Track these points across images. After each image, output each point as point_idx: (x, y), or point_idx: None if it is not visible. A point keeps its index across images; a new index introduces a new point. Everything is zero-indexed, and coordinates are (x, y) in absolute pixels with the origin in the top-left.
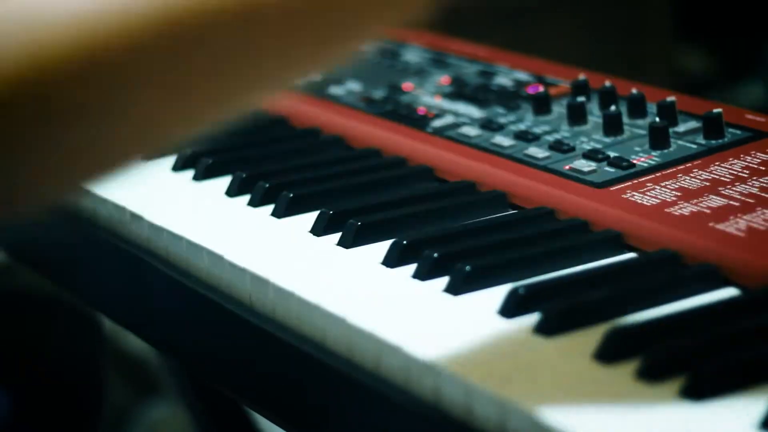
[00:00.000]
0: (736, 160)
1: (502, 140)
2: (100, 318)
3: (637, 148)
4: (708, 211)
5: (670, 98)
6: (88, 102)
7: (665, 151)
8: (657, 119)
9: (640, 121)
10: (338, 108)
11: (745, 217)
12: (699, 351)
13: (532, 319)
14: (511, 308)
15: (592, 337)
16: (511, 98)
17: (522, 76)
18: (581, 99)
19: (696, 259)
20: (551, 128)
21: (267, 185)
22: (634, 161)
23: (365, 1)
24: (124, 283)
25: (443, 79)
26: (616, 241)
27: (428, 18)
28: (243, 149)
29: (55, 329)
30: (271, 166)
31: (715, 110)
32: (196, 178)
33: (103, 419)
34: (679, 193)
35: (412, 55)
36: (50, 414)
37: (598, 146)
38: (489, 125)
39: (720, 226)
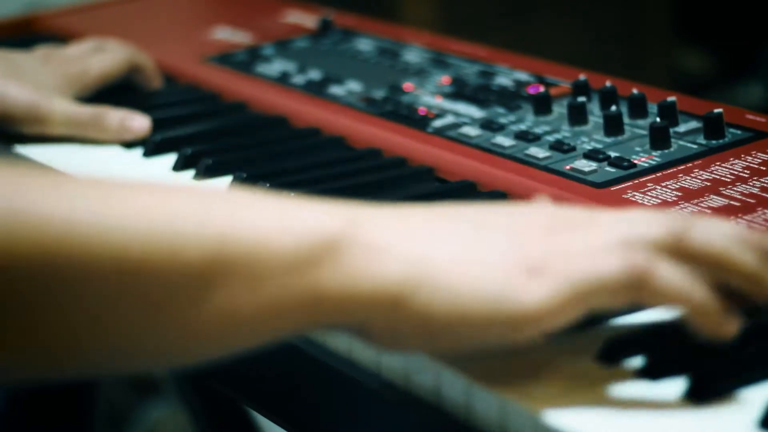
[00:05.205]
0: (736, 161)
1: (503, 140)
2: None
3: (638, 148)
4: (709, 211)
5: (671, 98)
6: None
7: (666, 151)
8: (658, 119)
9: (640, 122)
10: (338, 108)
11: (745, 217)
12: (700, 351)
13: None
14: None
15: (592, 337)
16: (511, 98)
17: (522, 76)
18: (582, 99)
19: None
20: (552, 128)
21: (267, 185)
22: (635, 161)
23: None
24: None
25: (443, 79)
26: None
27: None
28: (243, 149)
29: None
30: (272, 166)
31: (716, 110)
32: (197, 177)
33: (98, 414)
34: (679, 194)
35: (413, 55)
36: (44, 410)
37: (599, 146)
38: (489, 125)
39: None
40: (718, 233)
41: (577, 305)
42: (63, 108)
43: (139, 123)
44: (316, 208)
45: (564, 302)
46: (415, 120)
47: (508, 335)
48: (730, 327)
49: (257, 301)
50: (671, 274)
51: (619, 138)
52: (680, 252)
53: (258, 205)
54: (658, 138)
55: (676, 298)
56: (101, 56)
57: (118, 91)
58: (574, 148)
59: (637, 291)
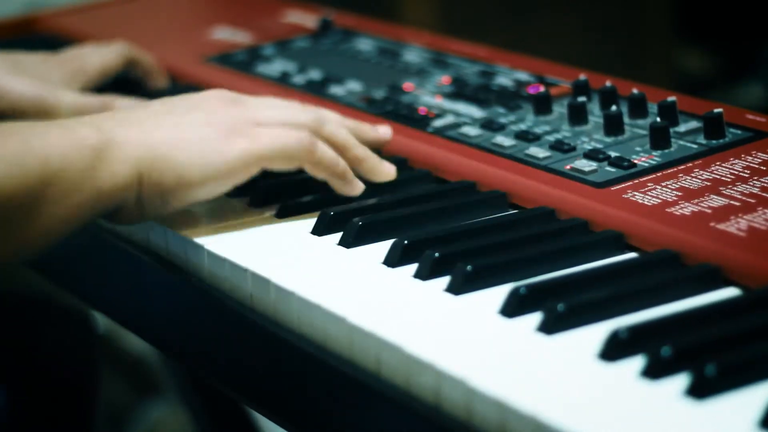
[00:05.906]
0: (736, 160)
1: (503, 140)
2: (94, 316)
3: (638, 148)
4: (709, 211)
5: (671, 98)
6: None
7: (666, 151)
8: (658, 119)
9: (640, 121)
10: (338, 108)
11: (745, 217)
12: (701, 350)
13: (534, 318)
14: (512, 308)
15: (593, 336)
16: (511, 98)
17: (522, 76)
18: (582, 99)
19: (696, 259)
20: (552, 128)
21: (266, 186)
22: (635, 161)
23: None
24: (125, 282)
25: (444, 79)
26: (616, 241)
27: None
28: None
29: (50, 327)
30: None
31: (716, 110)
32: None
33: (99, 413)
34: (679, 193)
35: (413, 55)
36: (44, 410)
37: (599, 146)
38: (490, 125)
39: (721, 226)
40: (338, 126)
41: (263, 163)
42: (70, 99)
43: None
44: (81, 125)
45: (256, 158)
46: (415, 120)
47: (215, 190)
48: (357, 187)
49: (68, 206)
50: (326, 149)
51: (620, 138)
52: (320, 136)
53: (57, 131)
54: (659, 138)
55: (329, 164)
56: (99, 51)
57: (120, 91)
58: (574, 148)
59: (306, 158)
